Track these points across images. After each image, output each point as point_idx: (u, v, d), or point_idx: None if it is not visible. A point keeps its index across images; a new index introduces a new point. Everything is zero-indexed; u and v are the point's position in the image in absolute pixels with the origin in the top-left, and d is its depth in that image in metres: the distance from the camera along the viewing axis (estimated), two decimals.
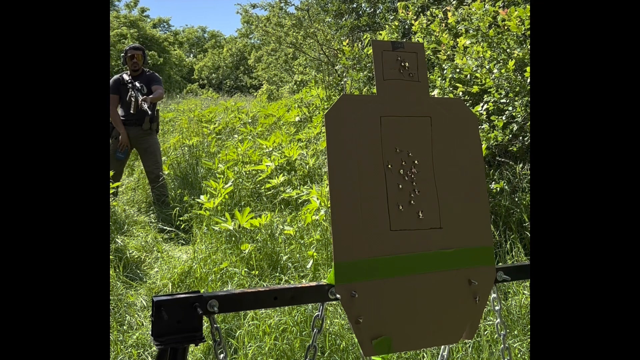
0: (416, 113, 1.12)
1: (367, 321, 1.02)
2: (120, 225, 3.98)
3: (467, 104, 3.45)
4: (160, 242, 3.95)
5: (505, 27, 3.47)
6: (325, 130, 1.04)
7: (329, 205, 1.08)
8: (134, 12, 28.16)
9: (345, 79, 5.62)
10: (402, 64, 1.13)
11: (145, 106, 4.51)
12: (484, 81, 3.44)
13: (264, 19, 10.10)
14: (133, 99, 4.59)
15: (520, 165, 3.35)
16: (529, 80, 3.21)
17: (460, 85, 3.62)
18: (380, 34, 5.65)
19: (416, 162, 1.10)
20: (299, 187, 4.23)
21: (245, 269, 2.96)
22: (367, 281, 1.02)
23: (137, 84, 4.66)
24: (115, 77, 4.79)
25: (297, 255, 3.10)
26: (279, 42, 10.35)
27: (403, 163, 1.09)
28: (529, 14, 3.28)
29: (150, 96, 4.61)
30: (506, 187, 3.26)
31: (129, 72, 4.79)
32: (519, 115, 3.28)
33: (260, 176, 4.53)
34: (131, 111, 4.59)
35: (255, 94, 18.15)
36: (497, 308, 1.19)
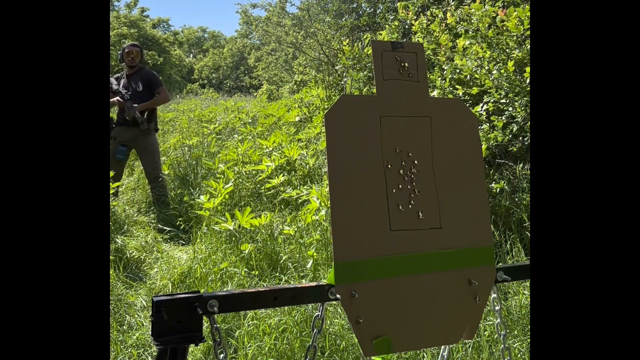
0: (416, 113, 1.12)
1: (367, 321, 1.02)
2: (120, 225, 3.97)
3: (467, 104, 3.46)
4: (160, 242, 3.95)
5: (504, 28, 3.47)
6: (325, 131, 1.04)
7: (329, 205, 1.07)
8: (134, 12, 28.16)
9: (345, 79, 5.61)
10: (402, 64, 1.12)
11: (136, 114, 4.58)
12: (483, 82, 3.44)
13: (264, 19, 10.12)
14: (122, 107, 4.62)
15: (520, 165, 3.35)
16: (528, 80, 3.21)
17: (460, 87, 3.62)
18: (380, 34, 5.65)
19: (416, 162, 1.10)
20: (299, 187, 4.23)
21: (245, 269, 2.96)
22: (367, 281, 1.02)
23: (123, 90, 4.67)
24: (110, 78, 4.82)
25: (297, 255, 3.10)
26: (279, 41, 10.36)
27: (403, 163, 1.09)
28: (527, 14, 3.28)
29: (148, 102, 4.68)
30: (506, 187, 3.26)
31: (126, 70, 4.80)
32: (519, 116, 3.28)
33: (260, 176, 4.53)
34: (127, 117, 4.63)
35: (255, 94, 18.12)
36: (497, 308, 1.19)
